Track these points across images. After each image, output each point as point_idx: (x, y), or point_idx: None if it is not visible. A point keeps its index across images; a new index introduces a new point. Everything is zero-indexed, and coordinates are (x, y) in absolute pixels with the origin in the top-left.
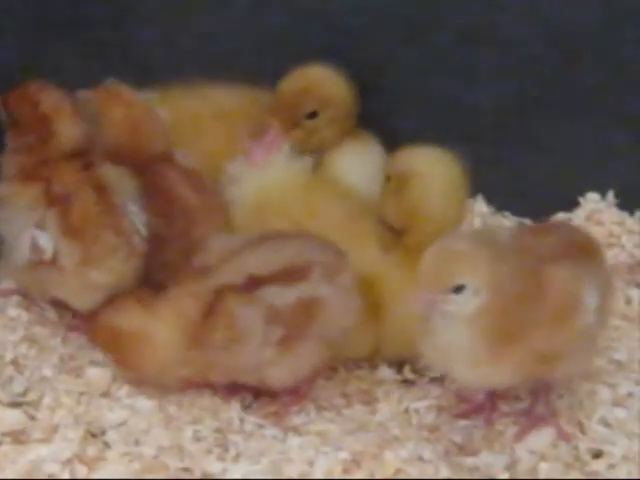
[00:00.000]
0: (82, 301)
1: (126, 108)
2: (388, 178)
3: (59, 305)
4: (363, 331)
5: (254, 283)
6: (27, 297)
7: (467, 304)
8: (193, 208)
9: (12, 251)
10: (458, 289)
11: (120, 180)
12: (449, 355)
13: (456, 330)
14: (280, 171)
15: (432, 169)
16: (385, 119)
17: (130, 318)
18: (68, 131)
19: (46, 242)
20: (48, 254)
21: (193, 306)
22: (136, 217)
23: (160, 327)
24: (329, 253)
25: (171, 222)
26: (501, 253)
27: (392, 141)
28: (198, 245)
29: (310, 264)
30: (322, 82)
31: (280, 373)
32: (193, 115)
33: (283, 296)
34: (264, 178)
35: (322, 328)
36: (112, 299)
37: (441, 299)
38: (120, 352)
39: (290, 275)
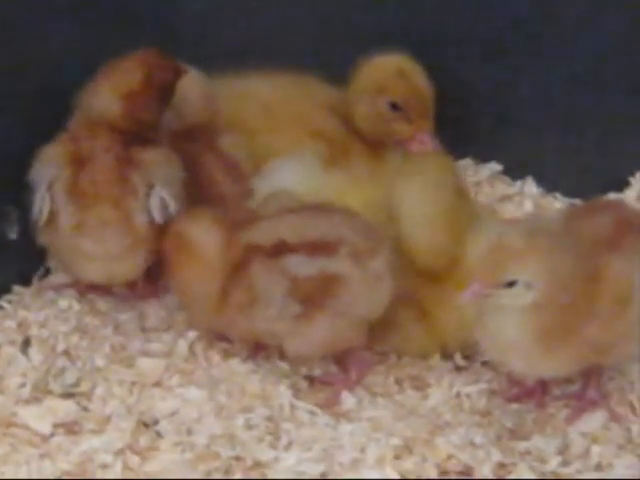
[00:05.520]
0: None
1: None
2: None
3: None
4: (414, 331)
5: (281, 248)
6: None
7: (520, 297)
8: (228, 196)
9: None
10: (510, 284)
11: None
12: (504, 348)
13: (511, 324)
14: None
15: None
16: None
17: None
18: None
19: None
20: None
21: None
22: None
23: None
24: (367, 235)
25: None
26: (555, 245)
27: None
28: None
29: (339, 241)
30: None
31: (296, 343)
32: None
33: (306, 266)
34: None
35: (342, 306)
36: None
37: (493, 293)
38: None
39: (317, 248)
